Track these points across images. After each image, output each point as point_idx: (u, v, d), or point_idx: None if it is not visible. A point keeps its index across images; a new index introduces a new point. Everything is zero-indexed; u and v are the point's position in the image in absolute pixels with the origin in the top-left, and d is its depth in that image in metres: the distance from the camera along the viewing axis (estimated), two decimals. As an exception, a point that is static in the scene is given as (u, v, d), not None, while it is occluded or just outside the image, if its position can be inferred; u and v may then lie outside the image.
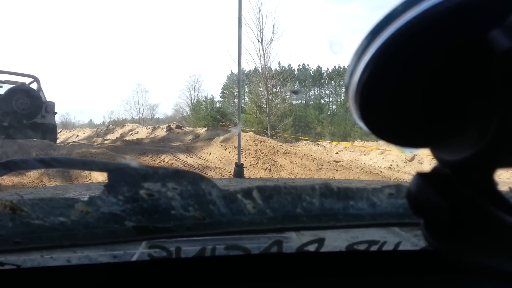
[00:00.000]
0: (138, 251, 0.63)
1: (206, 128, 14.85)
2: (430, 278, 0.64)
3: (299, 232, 0.69)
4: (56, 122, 10.13)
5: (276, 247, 0.65)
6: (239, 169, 5.35)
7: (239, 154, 5.61)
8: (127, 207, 0.57)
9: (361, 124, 0.31)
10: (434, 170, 0.33)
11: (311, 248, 0.64)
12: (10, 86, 8.61)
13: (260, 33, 19.18)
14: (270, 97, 20.27)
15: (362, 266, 0.64)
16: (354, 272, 0.64)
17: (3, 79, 8.97)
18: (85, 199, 0.57)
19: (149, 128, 16.75)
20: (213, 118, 24.43)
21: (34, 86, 9.08)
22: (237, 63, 5.05)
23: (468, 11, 0.25)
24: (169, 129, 14.72)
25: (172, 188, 0.58)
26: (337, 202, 0.64)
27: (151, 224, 0.57)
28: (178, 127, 15.54)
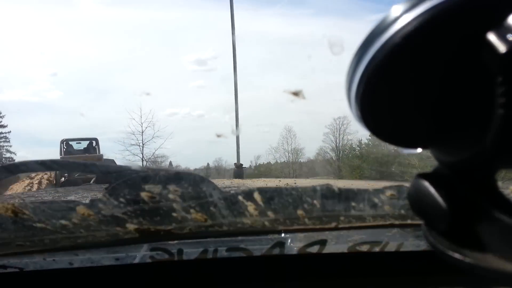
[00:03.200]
0: (140, 254, 0.63)
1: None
2: (432, 279, 0.64)
3: (301, 233, 0.69)
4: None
5: (278, 249, 0.65)
6: (238, 170, 5.36)
7: (238, 154, 5.62)
8: (128, 209, 0.57)
9: (361, 125, 0.31)
10: (435, 171, 0.33)
11: (313, 249, 0.64)
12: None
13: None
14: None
15: (365, 267, 0.64)
16: (357, 273, 0.64)
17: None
18: (87, 201, 0.57)
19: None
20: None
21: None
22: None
23: (468, 11, 0.25)
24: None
25: (173, 190, 0.58)
26: (339, 204, 0.64)
27: (152, 226, 0.57)
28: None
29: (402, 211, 0.65)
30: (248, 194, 0.60)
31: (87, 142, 13.34)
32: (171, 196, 0.58)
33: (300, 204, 0.62)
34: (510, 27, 0.24)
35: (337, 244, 0.67)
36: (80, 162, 0.93)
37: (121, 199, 0.57)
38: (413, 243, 0.69)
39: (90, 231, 0.56)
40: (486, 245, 0.29)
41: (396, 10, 0.27)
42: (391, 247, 0.65)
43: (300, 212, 0.62)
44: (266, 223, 0.60)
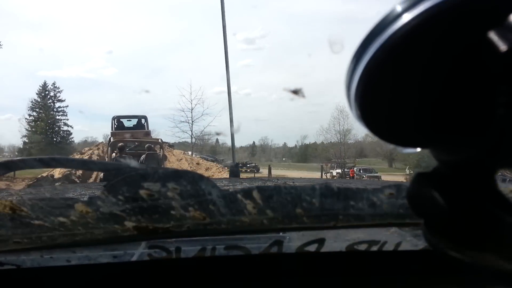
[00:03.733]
0: (138, 251, 0.63)
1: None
2: (431, 278, 0.64)
3: (299, 232, 0.69)
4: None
5: (276, 247, 0.65)
6: (234, 169, 5.49)
7: (233, 154, 5.76)
8: (126, 207, 0.56)
9: (361, 124, 0.30)
10: (434, 170, 0.32)
11: (311, 248, 0.64)
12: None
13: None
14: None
15: (363, 266, 0.64)
16: (354, 272, 0.64)
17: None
18: (85, 199, 0.57)
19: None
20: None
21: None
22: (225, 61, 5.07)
23: (469, 10, 0.25)
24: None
25: (172, 188, 0.58)
26: (337, 202, 0.64)
27: (151, 224, 0.57)
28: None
29: (401, 211, 0.65)
30: (247, 193, 0.60)
31: (137, 119, 13.82)
32: (169, 194, 0.58)
33: (299, 202, 0.62)
34: (511, 26, 0.24)
35: (336, 243, 0.67)
36: (78, 160, 0.92)
37: (120, 197, 0.57)
38: (412, 242, 0.69)
39: (88, 229, 0.56)
40: (485, 245, 0.29)
41: (396, 9, 0.26)
42: (390, 246, 0.65)
43: (298, 210, 0.61)
44: (265, 221, 0.60)
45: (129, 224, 0.56)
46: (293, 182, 1.12)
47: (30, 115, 41.97)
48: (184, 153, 17.79)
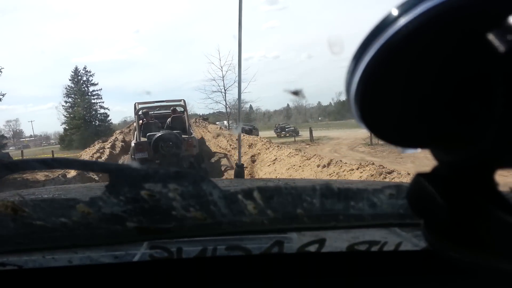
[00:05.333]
0: (140, 252, 0.63)
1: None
2: (431, 279, 0.64)
3: (300, 232, 0.69)
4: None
5: (277, 248, 0.65)
6: (239, 170, 5.37)
7: (239, 154, 5.62)
8: (128, 207, 0.57)
9: (361, 124, 0.31)
10: (434, 171, 0.33)
11: (312, 248, 0.64)
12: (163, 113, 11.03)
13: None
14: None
15: (363, 267, 0.64)
16: (355, 273, 0.64)
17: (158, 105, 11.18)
18: (87, 199, 0.57)
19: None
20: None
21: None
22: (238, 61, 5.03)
23: (468, 11, 0.25)
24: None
25: (173, 188, 0.58)
26: (338, 203, 0.64)
27: (152, 224, 0.57)
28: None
29: (401, 211, 0.65)
30: (248, 193, 0.61)
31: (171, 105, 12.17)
32: (171, 194, 0.58)
33: (300, 203, 0.62)
34: (510, 27, 0.24)
35: (336, 243, 0.67)
36: (80, 161, 0.92)
37: (121, 197, 0.57)
38: (412, 243, 0.69)
39: (90, 229, 0.56)
40: (485, 245, 0.30)
41: (395, 10, 0.27)
42: (390, 246, 0.66)
43: (299, 211, 0.62)
44: (266, 222, 0.60)
45: (130, 224, 0.56)
46: (294, 183, 1.12)
47: (66, 102, 42.64)
48: (220, 128, 15.81)
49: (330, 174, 6.82)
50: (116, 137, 13.78)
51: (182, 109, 10.92)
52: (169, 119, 10.23)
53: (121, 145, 12.66)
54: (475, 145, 0.28)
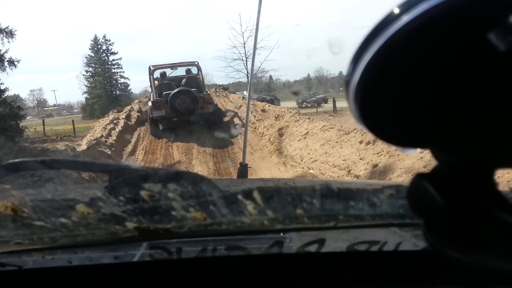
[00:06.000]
0: (139, 252, 0.63)
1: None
2: (431, 279, 0.64)
3: (299, 232, 0.69)
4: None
5: (276, 248, 0.65)
6: (243, 169, 5.22)
7: (244, 153, 5.42)
8: (128, 208, 0.57)
9: (361, 124, 0.31)
10: (434, 171, 0.33)
11: (312, 248, 0.64)
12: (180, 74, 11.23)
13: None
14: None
15: (363, 267, 0.64)
16: (355, 273, 0.64)
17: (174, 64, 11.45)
18: (86, 200, 0.57)
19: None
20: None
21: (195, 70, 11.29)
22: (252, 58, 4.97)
23: (469, 11, 0.25)
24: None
25: (173, 189, 0.58)
26: (338, 203, 0.64)
27: (152, 225, 0.57)
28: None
29: (401, 211, 0.65)
30: (248, 193, 0.61)
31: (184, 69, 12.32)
32: (170, 195, 0.58)
33: (299, 203, 0.62)
34: (511, 27, 0.24)
35: (336, 243, 0.67)
36: (79, 161, 0.92)
37: (121, 198, 0.57)
38: (412, 243, 0.69)
39: (90, 230, 0.56)
40: (485, 245, 0.30)
41: (396, 9, 0.27)
42: (390, 246, 0.66)
43: (299, 211, 0.62)
44: (265, 222, 0.60)
45: (130, 225, 0.56)
46: (293, 183, 1.12)
47: (87, 71, 42.12)
48: (242, 97, 14.93)
49: (378, 153, 5.33)
50: (132, 107, 13.49)
51: (197, 70, 11.05)
52: (184, 80, 10.28)
53: (137, 115, 12.30)
54: (475, 145, 0.28)
